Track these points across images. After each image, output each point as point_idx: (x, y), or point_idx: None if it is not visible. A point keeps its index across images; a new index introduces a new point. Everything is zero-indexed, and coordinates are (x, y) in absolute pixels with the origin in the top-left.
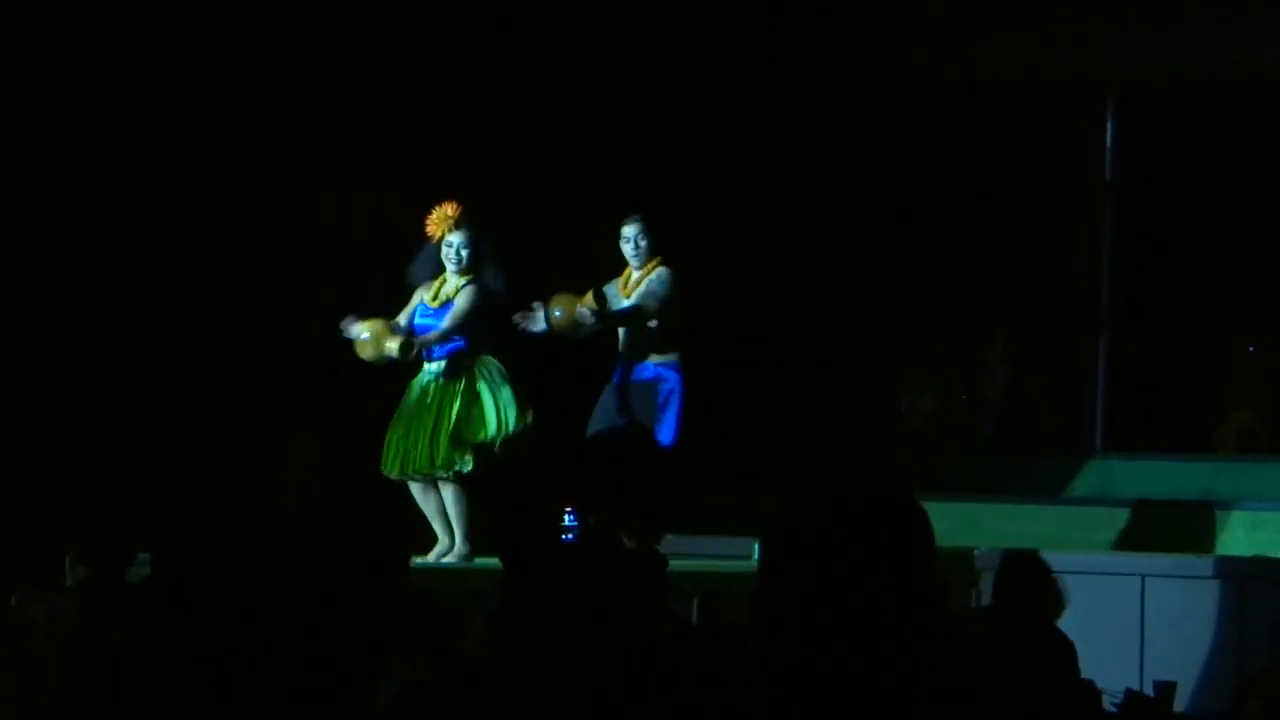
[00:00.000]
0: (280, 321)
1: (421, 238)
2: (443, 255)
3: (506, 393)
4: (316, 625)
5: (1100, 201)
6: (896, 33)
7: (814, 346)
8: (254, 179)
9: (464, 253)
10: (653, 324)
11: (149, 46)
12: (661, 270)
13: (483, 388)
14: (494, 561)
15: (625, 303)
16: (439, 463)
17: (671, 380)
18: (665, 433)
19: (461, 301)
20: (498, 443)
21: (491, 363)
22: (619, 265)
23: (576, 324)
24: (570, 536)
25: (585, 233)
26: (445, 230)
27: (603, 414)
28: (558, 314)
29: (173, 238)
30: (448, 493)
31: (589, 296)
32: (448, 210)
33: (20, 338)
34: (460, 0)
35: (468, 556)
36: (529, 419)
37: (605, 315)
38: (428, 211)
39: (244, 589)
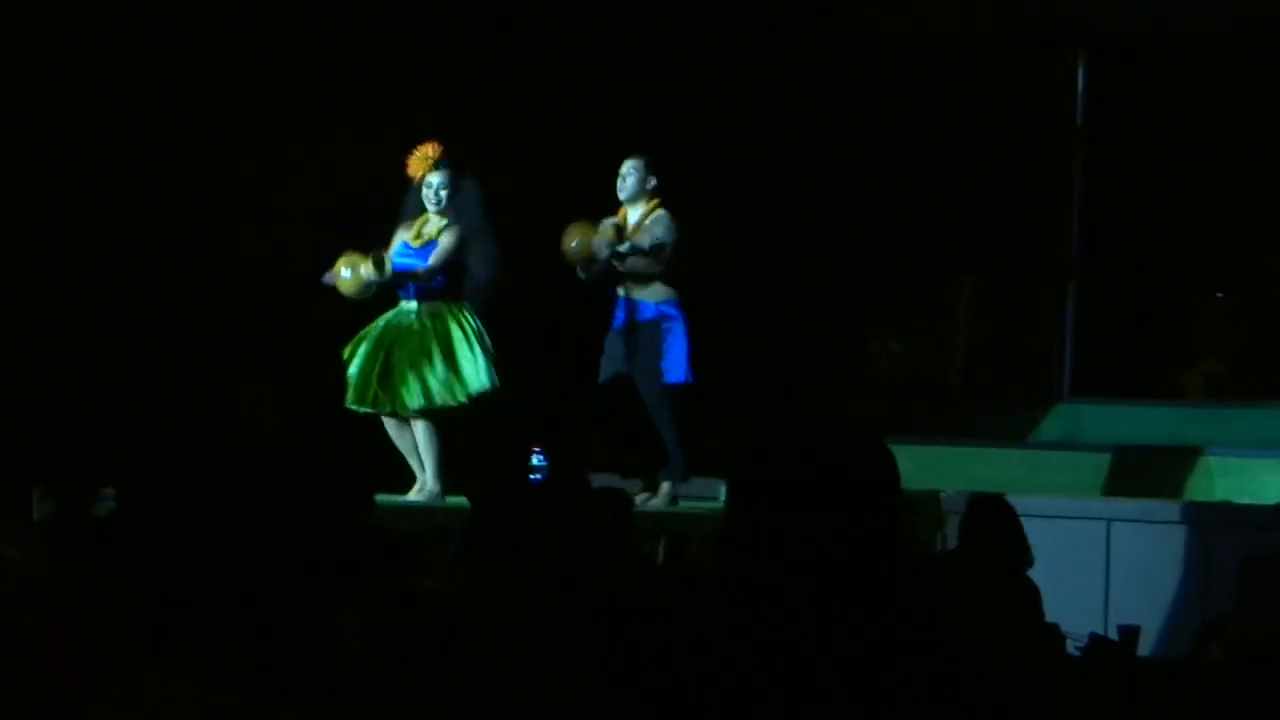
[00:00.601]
0: (247, 258)
1: (402, 180)
2: (423, 196)
3: (482, 355)
4: (280, 561)
5: (1071, 149)
6: None
7: (782, 289)
8: (221, 121)
9: (444, 193)
10: (656, 267)
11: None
12: (661, 212)
13: (462, 339)
14: (462, 500)
15: (626, 243)
16: (414, 403)
17: (674, 319)
18: (676, 372)
19: (446, 240)
20: (469, 399)
21: (469, 314)
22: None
23: (592, 257)
24: (538, 477)
25: (567, 174)
26: (425, 170)
27: (610, 361)
28: (574, 245)
29: (139, 178)
30: (419, 429)
31: (606, 228)
32: (428, 150)
33: None
34: None
35: (439, 495)
36: (495, 386)
37: (626, 251)
38: (408, 153)
39: (209, 523)
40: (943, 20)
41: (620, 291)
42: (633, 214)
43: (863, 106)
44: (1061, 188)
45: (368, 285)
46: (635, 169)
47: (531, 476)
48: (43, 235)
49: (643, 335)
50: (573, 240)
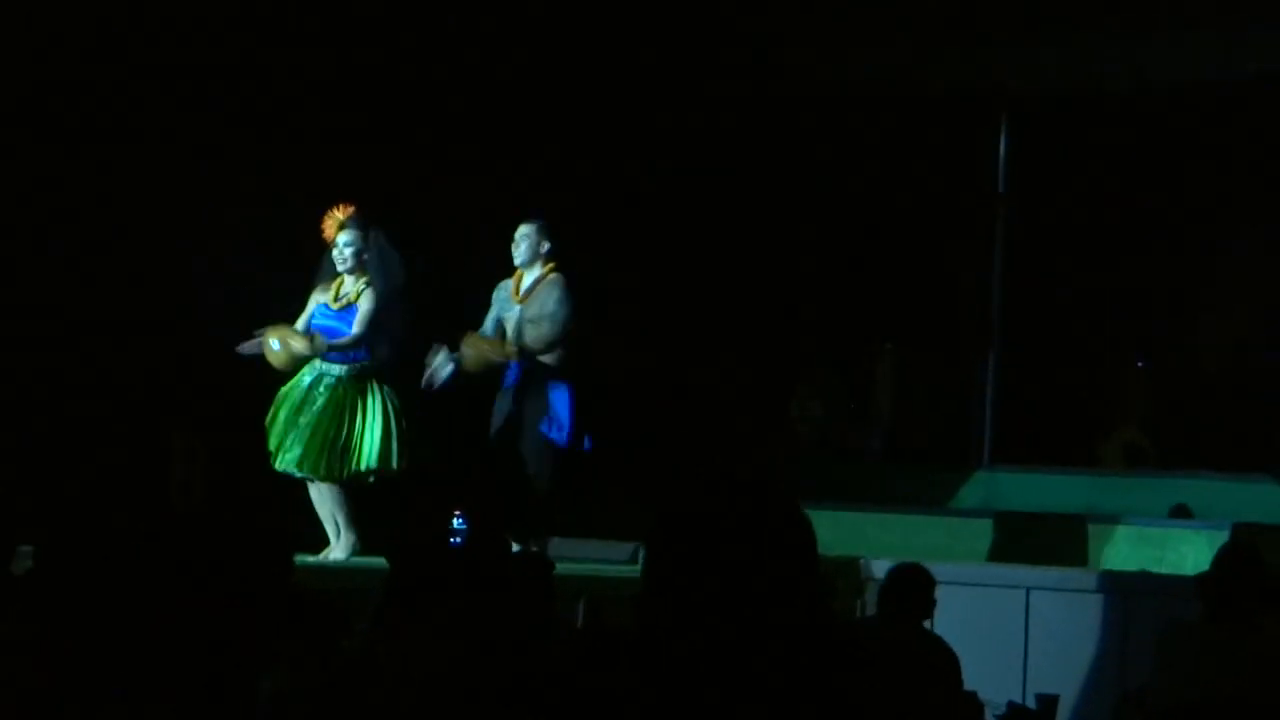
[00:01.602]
0: (168, 317)
1: (321, 242)
2: (334, 256)
3: (387, 433)
4: (200, 621)
5: (991, 215)
6: (790, 41)
7: (701, 353)
8: (148, 177)
9: (348, 251)
10: (546, 334)
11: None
12: (556, 285)
13: (380, 413)
14: (381, 561)
15: (517, 308)
16: (347, 473)
17: (559, 381)
18: (560, 433)
19: (364, 305)
20: (359, 472)
21: (389, 392)
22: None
23: (489, 364)
24: (458, 540)
25: (477, 233)
26: (335, 232)
27: (498, 420)
28: (470, 354)
29: (63, 234)
30: (322, 488)
31: (503, 345)
32: (338, 212)
33: None
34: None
35: (355, 544)
36: (403, 464)
37: (525, 355)
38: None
39: (128, 583)
40: (863, 83)
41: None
42: (528, 277)
43: (782, 168)
44: (982, 254)
45: (295, 359)
46: (528, 234)
47: (451, 540)
48: None
49: (528, 394)
50: (468, 350)
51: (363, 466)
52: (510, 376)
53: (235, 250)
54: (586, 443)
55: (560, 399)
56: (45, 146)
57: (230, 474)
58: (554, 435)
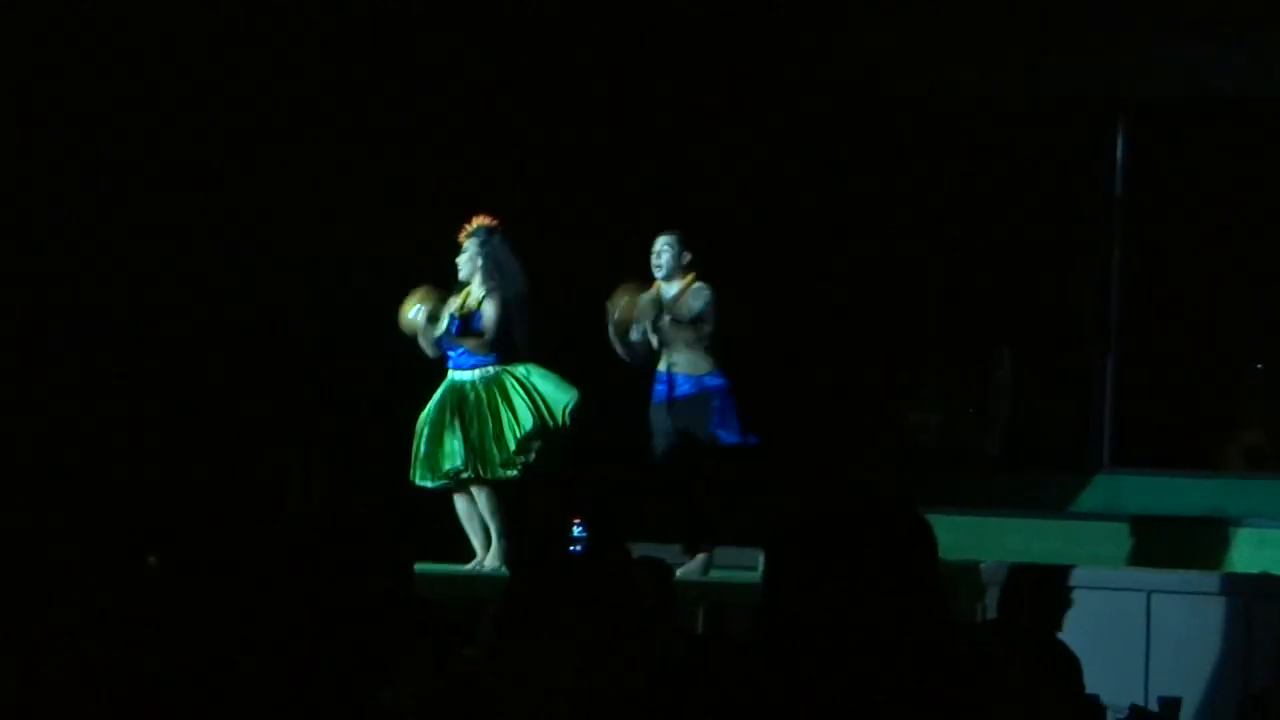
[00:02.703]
0: (289, 330)
1: (442, 250)
2: (458, 261)
3: (547, 387)
4: (320, 632)
5: (1110, 219)
6: (906, 49)
7: (819, 360)
8: (269, 187)
9: (463, 257)
10: (697, 340)
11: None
12: (700, 285)
13: (520, 390)
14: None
15: (665, 317)
16: (492, 466)
17: (718, 390)
18: (731, 438)
19: (488, 313)
20: (547, 434)
21: (520, 367)
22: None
23: (636, 319)
24: (578, 548)
25: (603, 247)
26: (464, 239)
27: (661, 435)
28: (622, 305)
29: (183, 242)
30: (481, 497)
31: (645, 304)
32: (473, 221)
33: (20, 345)
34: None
35: (509, 554)
36: (571, 405)
37: (664, 325)
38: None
39: (248, 596)
40: (982, 87)
41: (661, 366)
42: (668, 290)
43: (902, 176)
44: (1101, 258)
45: (419, 329)
46: (670, 245)
47: (571, 547)
48: (82, 305)
49: (686, 409)
50: (621, 301)
51: (503, 462)
52: (660, 392)
53: (360, 266)
54: (753, 439)
55: (724, 408)
56: (156, 156)
57: (349, 485)
58: (725, 436)
